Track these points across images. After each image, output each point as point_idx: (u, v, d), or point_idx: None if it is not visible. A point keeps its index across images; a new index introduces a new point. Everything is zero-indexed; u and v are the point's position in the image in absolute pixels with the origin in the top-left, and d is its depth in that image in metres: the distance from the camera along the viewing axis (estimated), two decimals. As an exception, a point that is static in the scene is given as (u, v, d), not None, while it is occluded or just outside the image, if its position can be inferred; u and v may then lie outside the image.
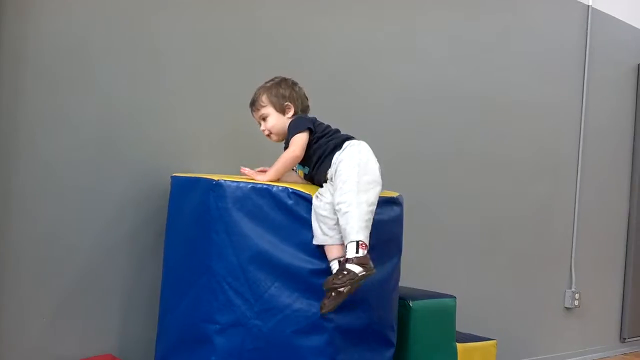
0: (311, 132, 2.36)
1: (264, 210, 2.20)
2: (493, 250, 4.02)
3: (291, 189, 2.22)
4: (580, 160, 4.59)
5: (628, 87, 5.02)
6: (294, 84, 2.50)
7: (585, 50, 4.59)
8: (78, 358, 2.43)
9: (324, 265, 2.19)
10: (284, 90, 2.45)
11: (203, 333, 2.22)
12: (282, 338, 2.16)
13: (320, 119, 2.45)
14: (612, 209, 4.93)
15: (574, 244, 4.56)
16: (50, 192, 2.41)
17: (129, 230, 2.59)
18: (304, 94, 2.51)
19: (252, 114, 2.50)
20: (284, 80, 2.48)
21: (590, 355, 4.70)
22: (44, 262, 2.40)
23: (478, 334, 3.18)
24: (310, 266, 2.19)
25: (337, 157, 2.27)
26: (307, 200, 2.21)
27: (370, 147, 2.33)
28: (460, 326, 2.99)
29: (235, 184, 2.22)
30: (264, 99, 2.44)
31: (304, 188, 2.26)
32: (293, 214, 2.20)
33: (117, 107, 2.55)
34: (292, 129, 2.37)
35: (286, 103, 2.43)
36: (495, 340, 3.08)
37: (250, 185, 2.22)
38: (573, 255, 4.56)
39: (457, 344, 2.84)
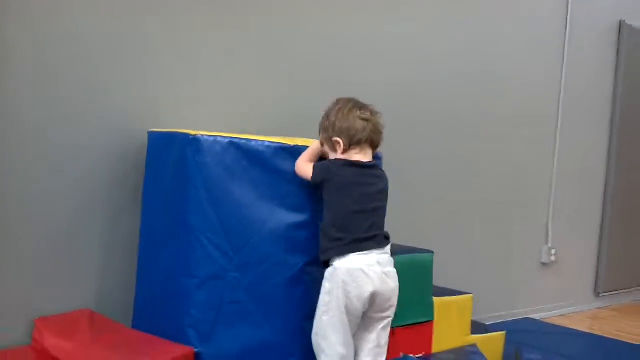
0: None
1: (242, 165, 2.19)
2: (471, 207, 4.05)
3: (270, 142, 2.21)
4: (559, 118, 4.60)
5: (609, 45, 5.02)
6: (352, 109, 2.18)
7: (567, 9, 4.56)
8: (56, 313, 2.43)
9: (303, 219, 2.20)
10: (331, 121, 2.18)
11: (182, 287, 2.23)
12: (261, 291, 2.18)
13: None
14: (590, 167, 4.98)
15: (551, 200, 4.61)
16: (26, 148, 2.38)
17: (107, 186, 2.57)
18: (362, 121, 2.16)
19: None
20: (337, 105, 2.21)
21: (566, 309, 4.80)
22: (21, 218, 2.38)
23: (455, 289, 3.23)
24: (289, 220, 2.20)
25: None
26: (287, 152, 2.20)
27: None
28: (438, 281, 3.03)
29: (212, 138, 2.21)
30: (321, 136, 2.25)
31: (283, 140, 2.25)
32: (272, 167, 2.20)
33: (95, 63, 2.51)
34: (315, 167, 2.15)
35: (334, 139, 2.17)
36: (471, 295, 3.12)
37: (228, 140, 2.20)
38: (550, 211, 4.62)
39: (434, 298, 2.88)
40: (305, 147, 2.24)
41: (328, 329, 2.09)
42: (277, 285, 2.18)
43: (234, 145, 2.20)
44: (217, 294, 2.18)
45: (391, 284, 2.16)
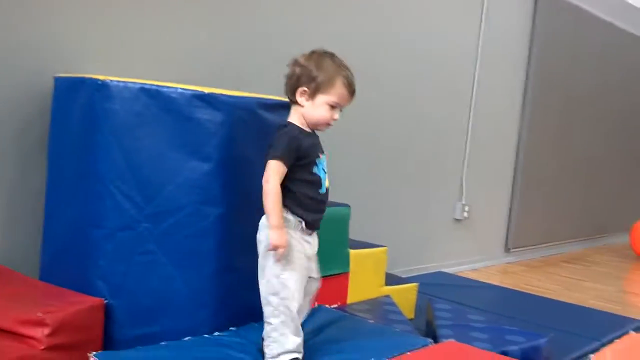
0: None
1: (154, 112, 2.11)
2: (388, 164, 4.10)
3: (183, 89, 2.14)
4: (476, 77, 4.69)
5: (525, 10, 5.14)
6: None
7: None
8: (-43, 267, 2.32)
9: (217, 169, 2.13)
10: None
11: (90, 238, 2.16)
12: (173, 241, 2.13)
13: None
14: (504, 128, 5.12)
15: (465, 159, 4.73)
16: None
17: (10, 134, 2.45)
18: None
19: None
20: None
21: (477, 264, 4.97)
22: None
23: (371, 242, 3.27)
24: (203, 169, 2.13)
25: None
26: (202, 100, 2.12)
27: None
28: (355, 234, 3.06)
29: (122, 84, 2.12)
30: None
31: (197, 87, 2.19)
32: (186, 115, 2.12)
33: (-8, 1, 2.36)
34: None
35: None
36: (385, 247, 3.18)
37: (139, 86, 2.12)
38: (465, 169, 4.73)
39: (350, 250, 2.91)
40: (224, 96, 2.14)
41: None
42: (190, 236, 2.13)
43: (145, 91, 2.11)
44: (127, 245, 2.12)
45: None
